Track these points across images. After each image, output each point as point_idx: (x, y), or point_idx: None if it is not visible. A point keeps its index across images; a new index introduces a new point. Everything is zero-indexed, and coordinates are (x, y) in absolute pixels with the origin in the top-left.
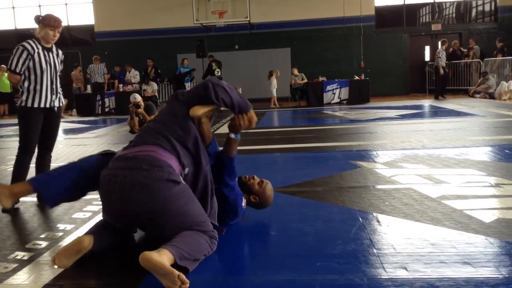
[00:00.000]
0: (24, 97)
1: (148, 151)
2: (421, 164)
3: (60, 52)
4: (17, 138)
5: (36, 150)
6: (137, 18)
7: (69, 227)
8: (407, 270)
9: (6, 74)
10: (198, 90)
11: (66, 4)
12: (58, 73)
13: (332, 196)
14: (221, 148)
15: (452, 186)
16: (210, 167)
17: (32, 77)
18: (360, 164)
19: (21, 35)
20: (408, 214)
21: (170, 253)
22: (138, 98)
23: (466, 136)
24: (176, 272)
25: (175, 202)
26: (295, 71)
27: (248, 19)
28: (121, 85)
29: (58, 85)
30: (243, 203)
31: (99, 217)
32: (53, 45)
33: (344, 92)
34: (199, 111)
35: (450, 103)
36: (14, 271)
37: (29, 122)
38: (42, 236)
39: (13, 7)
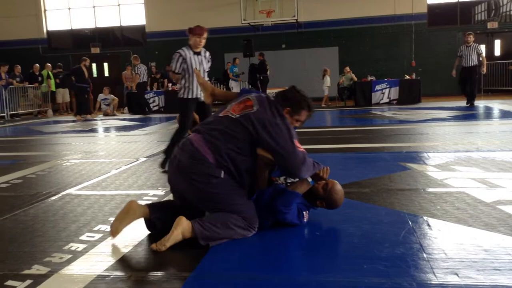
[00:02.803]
0: (182, 91)
1: (200, 145)
2: (475, 167)
3: (207, 53)
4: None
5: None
6: (185, 18)
7: None
8: (458, 276)
9: None
10: (289, 163)
11: (119, 4)
12: (206, 70)
13: (380, 198)
14: None
15: (508, 191)
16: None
17: (186, 76)
18: (410, 166)
19: (76, 35)
20: (461, 219)
21: (193, 229)
22: None
23: None
24: (164, 245)
25: (212, 189)
26: (347, 70)
27: (296, 18)
28: (170, 84)
29: (206, 79)
30: (304, 219)
31: None
32: (202, 49)
33: (394, 92)
34: (265, 154)
35: (506, 104)
36: (69, 261)
37: (186, 108)
38: (95, 228)
39: (69, 8)
